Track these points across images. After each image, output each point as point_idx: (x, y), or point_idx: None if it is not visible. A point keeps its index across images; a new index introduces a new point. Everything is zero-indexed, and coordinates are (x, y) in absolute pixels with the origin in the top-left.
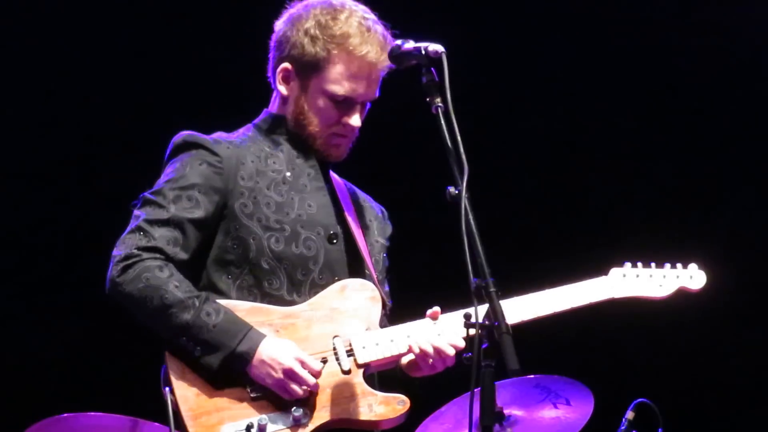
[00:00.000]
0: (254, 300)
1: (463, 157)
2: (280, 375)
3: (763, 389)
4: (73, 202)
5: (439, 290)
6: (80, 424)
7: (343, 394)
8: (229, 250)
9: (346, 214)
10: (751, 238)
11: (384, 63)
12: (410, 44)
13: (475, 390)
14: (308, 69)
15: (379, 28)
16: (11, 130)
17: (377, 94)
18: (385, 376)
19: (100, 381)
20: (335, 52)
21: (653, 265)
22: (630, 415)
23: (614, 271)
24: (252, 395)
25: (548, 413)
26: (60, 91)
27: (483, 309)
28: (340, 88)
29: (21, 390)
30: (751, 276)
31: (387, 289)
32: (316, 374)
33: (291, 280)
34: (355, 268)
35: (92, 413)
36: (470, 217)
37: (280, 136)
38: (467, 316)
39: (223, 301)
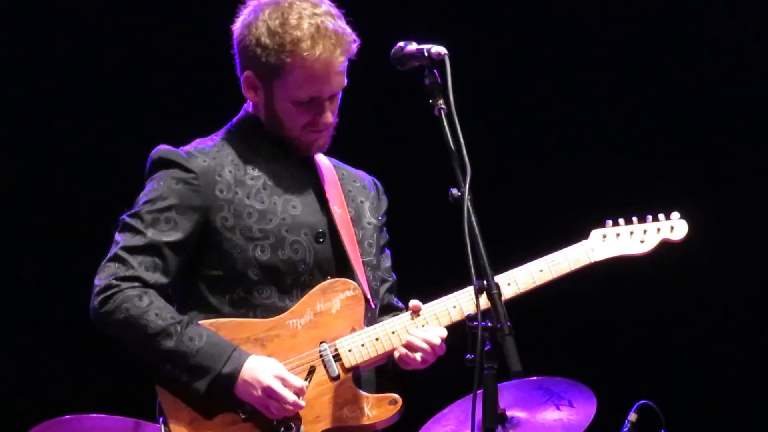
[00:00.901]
0: (247, 312)
1: (466, 158)
2: (260, 394)
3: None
4: (78, 196)
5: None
6: (82, 426)
7: (335, 402)
8: (216, 265)
9: (333, 205)
10: None
11: (341, 57)
12: (413, 46)
13: (478, 392)
14: (268, 77)
15: (330, 21)
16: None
17: (345, 83)
18: (379, 371)
19: (102, 382)
20: (289, 60)
21: (635, 219)
22: (633, 416)
23: (594, 233)
24: (243, 416)
25: (551, 415)
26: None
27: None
28: (302, 93)
29: (23, 391)
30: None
31: (388, 264)
32: (299, 391)
33: (280, 287)
34: (346, 262)
35: (94, 415)
36: (473, 218)
37: (257, 138)
38: (470, 318)
39: (207, 321)
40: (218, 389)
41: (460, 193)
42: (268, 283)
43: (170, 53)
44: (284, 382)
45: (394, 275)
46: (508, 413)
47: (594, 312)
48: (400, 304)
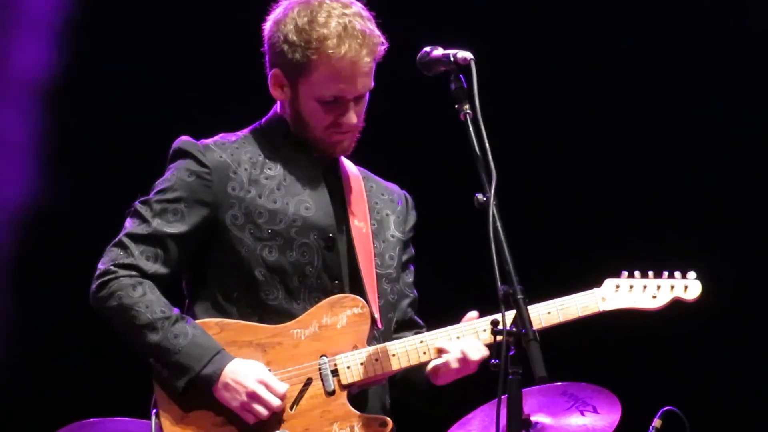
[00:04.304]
0: (254, 312)
1: (492, 163)
2: (244, 398)
3: None
4: (101, 198)
5: (461, 300)
6: (106, 429)
7: (326, 417)
8: (224, 263)
9: (352, 215)
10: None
11: (366, 57)
12: (439, 51)
13: (502, 397)
14: (295, 75)
15: (359, 22)
16: None
17: (371, 85)
18: (410, 385)
19: (126, 386)
20: (315, 58)
21: (651, 274)
22: (657, 423)
23: (608, 282)
24: (234, 420)
25: (575, 421)
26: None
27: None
28: (326, 92)
29: (48, 394)
30: None
31: (410, 280)
32: (281, 396)
33: (287, 288)
34: (355, 269)
35: (119, 418)
36: (498, 223)
37: (280, 138)
38: (495, 323)
39: (213, 320)
40: (197, 389)
41: (485, 198)
42: (274, 283)
43: (209, 52)
44: (267, 387)
45: (415, 291)
46: (533, 419)
47: (619, 317)
48: (420, 322)
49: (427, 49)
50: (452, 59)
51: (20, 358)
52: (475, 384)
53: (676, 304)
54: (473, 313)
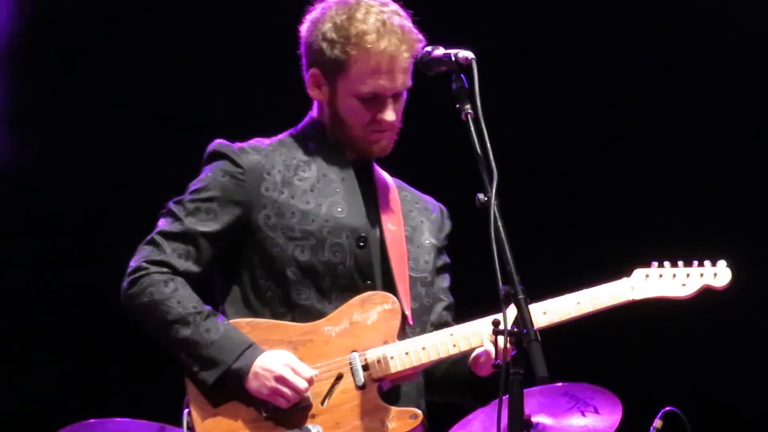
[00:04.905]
0: (286, 312)
1: (493, 163)
2: (273, 383)
3: None
4: (114, 202)
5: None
6: (107, 430)
7: (357, 411)
8: (256, 263)
9: (385, 215)
10: None
11: (405, 53)
12: (440, 51)
13: (503, 398)
14: (333, 72)
15: (397, 18)
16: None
17: (409, 83)
18: (452, 381)
19: (127, 386)
20: (353, 53)
21: (681, 263)
22: (658, 423)
23: (637, 272)
24: (265, 415)
25: (576, 421)
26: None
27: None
28: (364, 87)
29: (48, 395)
30: None
31: (445, 285)
32: (308, 379)
33: (318, 288)
34: (388, 270)
35: (119, 419)
36: (499, 223)
37: (316, 141)
38: (496, 323)
39: (245, 320)
40: (227, 383)
41: (486, 198)
42: (306, 283)
43: (245, 57)
44: (294, 370)
45: (451, 297)
46: (534, 419)
47: (620, 318)
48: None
49: (428, 48)
50: (453, 59)
51: (20, 357)
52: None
53: (707, 293)
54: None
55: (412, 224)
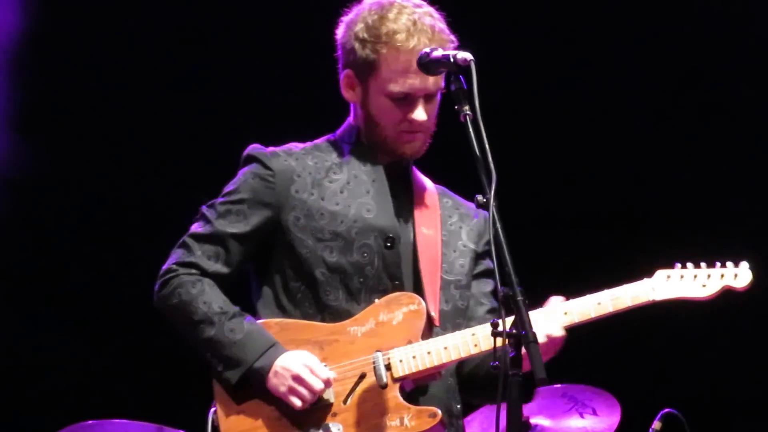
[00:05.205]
0: (315, 313)
1: (492, 165)
2: (290, 382)
3: None
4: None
5: None
6: (105, 431)
7: (377, 409)
8: (286, 265)
9: (420, 218)
10: None
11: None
12: (439, 52)
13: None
14: (365, 72)
15: (429, 19)
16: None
17: (442, 85)
18: (476, 380)
19: (125, 388)
20: (384, 52)
21: (703, 265)
22: (657, 425)
23: (659, 273)
24: (286, 414)
25: (575, 423)
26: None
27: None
28: (395, 86)
29: (47, 396)
30: None
31: (488, 290)
32: (324, 380)
33: (347, 289)
34: (417, 271)
35: (117, 420)
36: (498, 225)
37: (350, 144)
38: (494, 325)
39: (274, 320)
40: (250, 382)
41: (485, 200)
42: (335, 284)
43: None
44: (311, 370)
45: (495, 301)
46: (532, 421)
47: (619, 319)
48: None
49: (427, 50)
50: (452, 60)
51: (18, 359)
52: None
53: (728, 294)
54: (558, 298)
55: (450, 229)
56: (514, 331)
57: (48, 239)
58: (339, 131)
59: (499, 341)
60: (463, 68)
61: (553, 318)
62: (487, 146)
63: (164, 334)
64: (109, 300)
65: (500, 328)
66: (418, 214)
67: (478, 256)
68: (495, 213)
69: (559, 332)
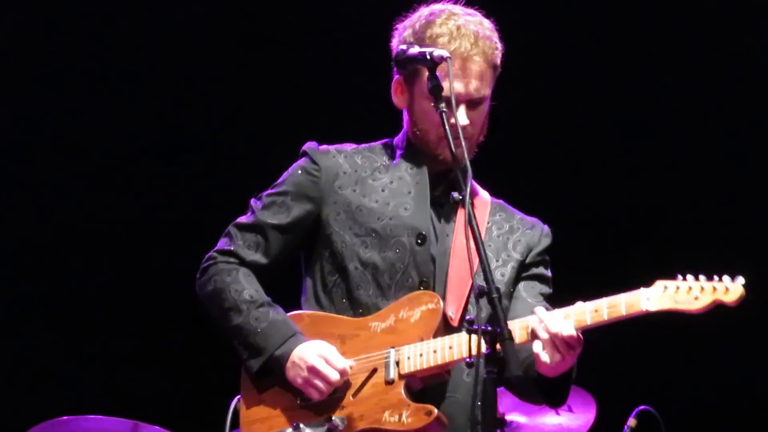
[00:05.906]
0: (347, 306)
1: (468, 161)
2: (306, 373)
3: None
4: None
5: None
6: (80, 427)
7: (380, 404)
8: (324, 258)
9: (460, 225)
10: None
11: (477, 57)
12: (416, 49)
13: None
14: (411, 77)
15: (474, 26)
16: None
17: (487, 92)
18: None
19: (100, 383)
20: None
21: (702, 278)
22: (632, 422)
23: (658, 283)
24: (300, 403)
25: (550, 420)
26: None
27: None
28: None
29: (21, 392)
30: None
31: (535, 291)
32: (340, 370)
33: (378, 284)
34: (446, 273)
35: (92, 416)
36: (474, 222)
37: (401, 149)
38: (470, 322)
39: (306, 312)
40: (271, 370)
41: (461, 197)
42: (367, 279)
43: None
44: (327, 361)
45: (543, 301)
46: (508, 417)
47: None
48: None
49: (403, 47)
50: (429, 57)
51: None
52: None
53: (720, 308)
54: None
55: (494, 239)
56: (489, 328)
57: (23, 238)
58: (397, 137)
59: (474, 338)
60: (439, 65)
61: (558, 317)
62: (463, 142)
63: (141, 330)
64: (82, 296)
65: (475, 326)
66: (461, 222)
67: (525, 266)
68: (471, 210)
69: (568, 330)
